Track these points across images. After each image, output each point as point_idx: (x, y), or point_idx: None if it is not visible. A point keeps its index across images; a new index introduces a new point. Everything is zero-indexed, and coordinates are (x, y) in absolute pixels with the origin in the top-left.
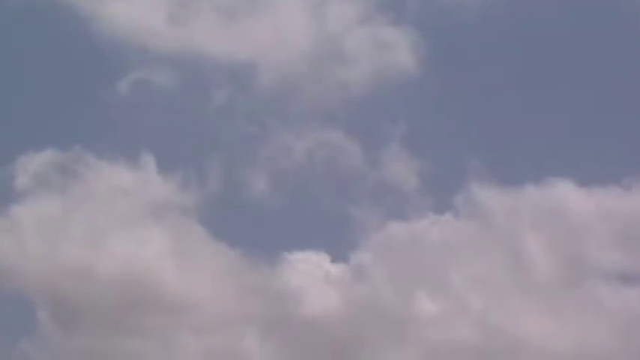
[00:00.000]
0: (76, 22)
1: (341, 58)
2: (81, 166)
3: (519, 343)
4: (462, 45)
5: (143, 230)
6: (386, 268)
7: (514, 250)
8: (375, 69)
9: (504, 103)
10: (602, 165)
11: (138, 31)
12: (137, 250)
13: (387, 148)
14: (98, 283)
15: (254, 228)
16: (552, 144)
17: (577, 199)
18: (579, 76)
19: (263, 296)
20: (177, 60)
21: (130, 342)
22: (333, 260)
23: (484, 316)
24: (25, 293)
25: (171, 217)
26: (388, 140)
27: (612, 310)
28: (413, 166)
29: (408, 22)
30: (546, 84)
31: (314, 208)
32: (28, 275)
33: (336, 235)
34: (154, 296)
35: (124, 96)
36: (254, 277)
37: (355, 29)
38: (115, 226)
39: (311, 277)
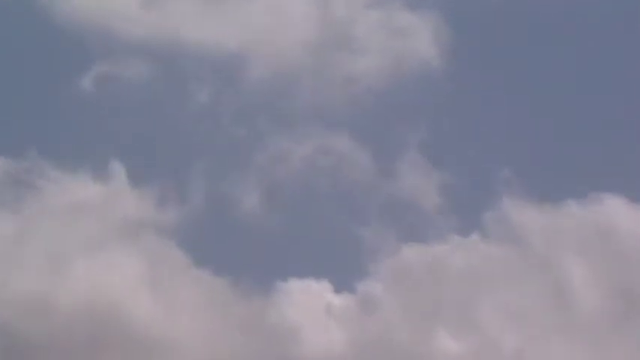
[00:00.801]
0: (31, 5)
1: (348, 47)
2: (36, 177)
3: None
4: (492, 32)
5: (112, 254)
6: (400, 299)
7: (554, 278)
8: (388, 60)
9: (542, 103)
10: None
11: (104, 16)
12: (105, 277)
13: (402, 157)
14: (58, 317)
15: (244, 252)
16: (599, 152)
17: (630, 217)
18: (627, 73)
19: (254, 333)
20: (151, 50)
21: None
22: (337, 290)
23: (519, 357)
24: None
25: (146, 238)
26: (404, 147)
27: None
28: (433, 179)
29: (427, 6)
30: (591, 80)
31: (315, 229)
32: None
33: (341, 260)
34: (125, 333)
35: (88, 93)
36: (243, 310)
37: (365, 14)
38: (79, 248)
39: (311, 309)
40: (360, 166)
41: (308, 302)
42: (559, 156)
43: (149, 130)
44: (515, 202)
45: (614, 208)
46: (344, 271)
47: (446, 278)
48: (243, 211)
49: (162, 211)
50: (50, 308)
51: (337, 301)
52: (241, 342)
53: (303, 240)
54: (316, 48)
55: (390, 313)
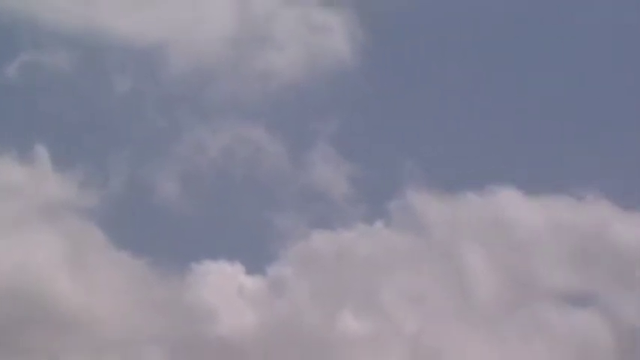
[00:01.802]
0: None
1: (265, 43)
2: None
3: None
4: (405, 31)
5: (34, 235)
6: (308, 282)
7: (453, 265)
8: (304, 57)
9: (446, 100)
10: (552, 172)
11: (28, 5)
12: (27, 257)
13: (314, 149)
14: None
15: (161, 235)
16: (497, 147)
17: (524, 209)
18: (528, 72)
19: (170, 312)
20: (76, 41)
21: None
22: (249, 272)
23: (417, 340)
24: None
25: (68, 219)
26: (316, 139)
27: (562, 336)
28: (342, 170)
29: (342, 4)
30: (493, 80)
31: (229, 214)
32: None
33: (254, 244)
34: (45, 311)
35: (13, 80)
36: (160, 290)
37: (282, 11)
38: (1, 229)
39: (224, 291)
40: (274, 156)
41: (221, 283)
42: (459, 150)
43: (73, 116)
44: (417, 192)
45: (508, 200)
46: (256, 254)
47: (351, 263)
48: (161, 197)
49: (84, 195)
50: None
51: (249, 282)
52: (157, 320)
53: (218, 224)
54: (234, 43)
55: (298, 295)
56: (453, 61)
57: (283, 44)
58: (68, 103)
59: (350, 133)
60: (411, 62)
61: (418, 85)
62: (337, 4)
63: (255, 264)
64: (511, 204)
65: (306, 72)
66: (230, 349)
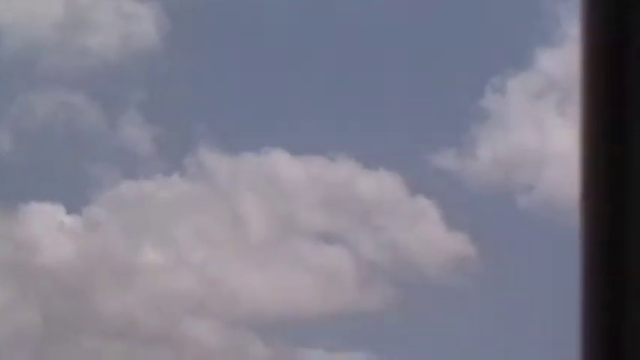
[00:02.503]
0: None
1: (86, 26)
2: None
3: (234, 293)
4: (203, 18)
5: None
6: (117, 222)
7: (233, 210)
8: (118, 39)
9: (232, 76)
10: (312, 137)
11: None
12: None
13: (125, 114)
14: None
15: None
16: (269, 117)
17: (290, 167)
18: (303, 56)
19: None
20: None
21: None
22: (69, 212)
23: (203, 268)
24: None
25: None
26: (127, 106)
27: (315, 265)
28: (148, 131)
29: None
30: (274, 65)
31: (53, 165)
32: None
33: (73, 189)
34: None
35: None
36: None
37: (101, 2)
38: None
39: (47, 227)
40: (92, 119)
41: (45, 221)
42: (242, 117)
43: None
44: (208, 151)
45: (278, 160)
46: (74, 198)
47: (152, 207)
48: None
49: None
50: None
51: (68, 220)
52: None
53: (44, 173)
54: (61, 24)
55: (109, 232)
56: (244, 42)
57: (101, 29)
58: None
59: (155, 102)
60: (208, 45)
61: (212, 64)
62: None
63: (74, 205)
64: (280, 162)
65: (120, 52)
66: (52, 276)
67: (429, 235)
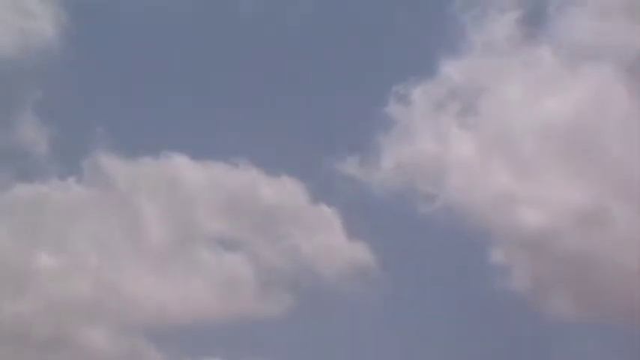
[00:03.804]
0: None
1: None
2: None
3: (131, 299)
4: (104, 18)
5: None
6: (10, 226)
7: (131, 215)
8: (15, 37)
9: (135, 82)
10: (214, 143)
11: None
12: None
13: (20, 114)
14: None
15: None
16: (172, 120)
17: (190, 172)
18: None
19: None
20: None
21: None
22: None
23: (99, 274)
24: None
25: None
26: (22, 106)
27: (214, 272)
28: (43, 132)
29: None
30: (176, 68)
31: None
32: None
33: None
34: None
35: None
36: None
37: None
38: None
39: None
40: None
41: None
42: (141, 120)
43: None
44: (105, 155)
45: (179, 164)
46: None
47: (48, 212)
48: None
49: None
50: None
51: None
52: None
53: None
54: None
55: (2, 236)
56: (146, 43)
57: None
58: None
59: (52, 102)
60: (109, 44)
61: (112, 65)
62: None
63: None
64: (180, 167)
65: (17, 50)
66: None
67: (330, 243)
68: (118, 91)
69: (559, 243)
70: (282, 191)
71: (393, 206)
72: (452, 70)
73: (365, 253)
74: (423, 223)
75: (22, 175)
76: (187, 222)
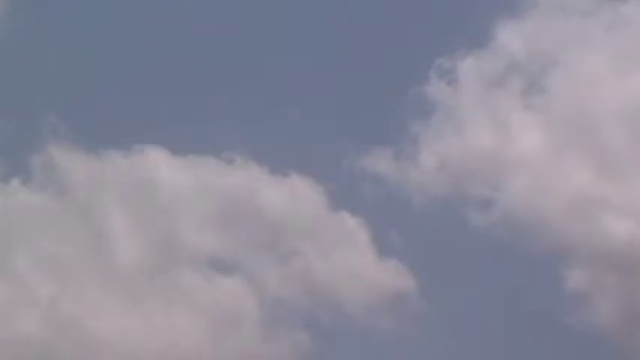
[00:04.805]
0: None
1: None
2: None
3: (96, 338)
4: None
5: None
6: None
7: (94, 227)
8: None
9: (98, 62)
10: (202, 133)
11: None
12: None
13: None
14: None
15: None
16: (145, 105)
17: (171, 170)
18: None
19: None
20: None
21: None
22: None
23: (54, 306)
24: None
25: None
26: None
27: (204, 303)
28: None
29: None
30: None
31: None
32: None
33: None
34: None
35: None
36: None
37: None
38: None
39: None
40: None
41: None
42: (106, 106)
43: None
44: (60, 149)
45: (155, 160)
46: None
47: None
48: None
49: None
50: None
51: None
52: None
53: None
54: None
55: None
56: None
57: None
58: None
59: None
60: (63, 18)
61: (70, 41)
62: None
63: None
64: (158, 165)
65: None
66: None
67: (355, 264)
68: (76, 72)
69: None
70: (291, 195)
71: (435, 216)
72: (511, 37)
73: (400, 276)
74: (476, 238)
75: None
76: (168, 237)
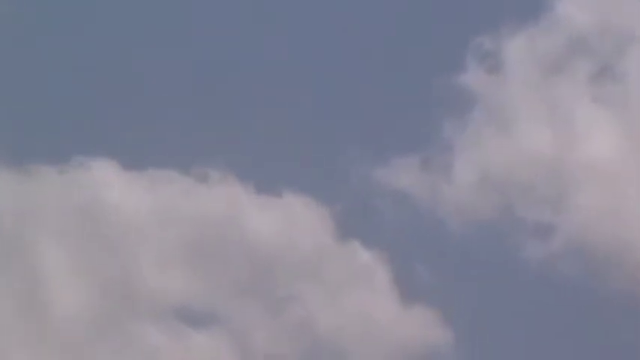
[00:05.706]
0: None
1: None
2: None
3: None
4: None
5: None
6: None
7: (23, 266)
8: None
9: (31, 51)
10: (166, 141)
11: None
12: None
13: None
14: None
15: None
16: (88, 107)
17: (125, 190)
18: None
19: None
20: None
21: None
22: None
23: None
24: None
25: None
26: None
27: None
28: None
29: None
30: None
31: None
32: None
33: None
34: None
35: None
36: None
37: None
38: None
39: None
40: None
41: None
42: (37, 109)
43: None
44: None
45: (104, 178)
46: None
47: None
48: None
49: None
50: None
51: None
52: None
53: None
54: None
55: None
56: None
57: None
58: None
59: None
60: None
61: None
62: None
63: None
64: (107, 182)
65: None
66: None
67: (370, 311)
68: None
69: None
70: (285, 221)
71: (477, 246)
72: (575, 8)
73: (430, 326)
74: (531, 274)
75: None
76: (121, 279)
